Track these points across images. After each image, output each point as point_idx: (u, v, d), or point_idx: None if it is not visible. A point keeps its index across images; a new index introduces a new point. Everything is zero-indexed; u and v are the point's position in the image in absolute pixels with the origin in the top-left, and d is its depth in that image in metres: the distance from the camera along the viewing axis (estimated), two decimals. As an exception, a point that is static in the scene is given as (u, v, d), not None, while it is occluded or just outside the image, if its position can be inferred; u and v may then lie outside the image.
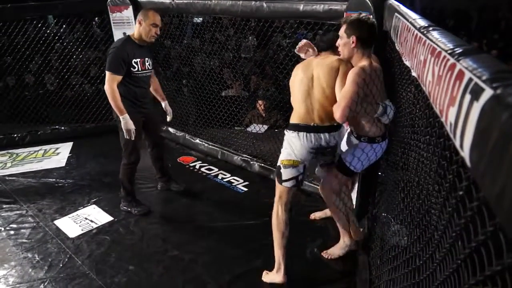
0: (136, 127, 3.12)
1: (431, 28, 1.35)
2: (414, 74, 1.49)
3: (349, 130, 2.67)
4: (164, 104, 3.59)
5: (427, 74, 1.19)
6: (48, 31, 5.27)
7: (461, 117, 0.80)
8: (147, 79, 3.27)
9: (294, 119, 2.51)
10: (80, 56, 5.52)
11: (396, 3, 2.27)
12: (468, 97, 0.78)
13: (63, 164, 4.49)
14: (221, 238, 3.09)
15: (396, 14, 2.08)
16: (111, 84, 3.01)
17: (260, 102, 5.18)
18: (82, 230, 3.23)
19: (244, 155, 4.31)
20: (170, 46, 5.13)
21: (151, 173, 4.19)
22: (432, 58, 1.15)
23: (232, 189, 3.87)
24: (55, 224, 3.33)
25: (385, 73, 2.41)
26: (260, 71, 5.55)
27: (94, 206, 3.58)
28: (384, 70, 2.40)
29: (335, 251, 2.82)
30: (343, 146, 2.72)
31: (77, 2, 5.00)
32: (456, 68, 0.90)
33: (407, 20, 1.72)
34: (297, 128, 2.47)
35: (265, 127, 5.03)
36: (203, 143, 4.71)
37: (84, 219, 3.36)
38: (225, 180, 4.05)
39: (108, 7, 4.72)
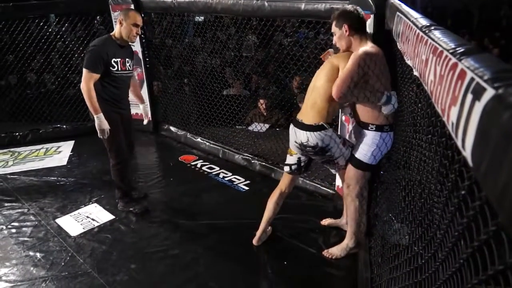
0: (115, 126, 3.09)
1: (432, 28, 1.35)
2: (416, 73, 1.49)
3: (354, 124, 2.67)
4: (143, 106, 3.57)
5: (429, 74, 1.20)
6: (50, 30, 5.27)
7: (462, 117, 0.80)
8: (126, 79, 3.21)
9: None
10: (82, 55, 5.52)
11: (398, 2, 2.27)
12: (469, 96, 0.78)
13: (65, 163, 4.49)
14: (223, 237, 3.10)
15: (397, 13, 2.08)
16: (87, 82, 2.94)
17: (261, 101, 5.18)
18: (83, 228, 3.24)
19: (246, 154, 4.32)
20: (171, 45, 5.13)
21: (151, 172, 4.20)
22: (434, 58, 1.15)
23: (234, 188, 3.87)
24: (56, 223, 3.33)
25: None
26: (262, 70, 5.55)
27: (95, 204, 3.59)
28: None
29: (336, 251, 2.81)
30: (351, 141, 2.72)
31: (79, 1, 5.01)
32: (458, 67, 0.90)
33: (409, 19, 1.72)
34: (292, 120, 2.68)
35: (267, 126, 5.03)
36: (205, 142, 4.71)
37: (86, 218, 3.37)
38: (226, 179, 4.05)
39: (110, 5, 4.73)
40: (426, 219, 1.53)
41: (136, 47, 4.81)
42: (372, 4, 2.69)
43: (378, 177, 2.92)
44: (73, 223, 3.32)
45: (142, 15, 4.73)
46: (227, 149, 4.49)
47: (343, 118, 3.04)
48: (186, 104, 5.05)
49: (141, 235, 3.15)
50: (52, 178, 4.16)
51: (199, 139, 4.77)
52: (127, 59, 3.14)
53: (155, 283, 2.65)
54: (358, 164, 2.58)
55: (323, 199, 3.55)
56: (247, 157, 4.27)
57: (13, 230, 3.25)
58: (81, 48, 5.14)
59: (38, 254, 2.95)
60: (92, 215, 3.41)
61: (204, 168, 4.31)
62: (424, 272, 1.48)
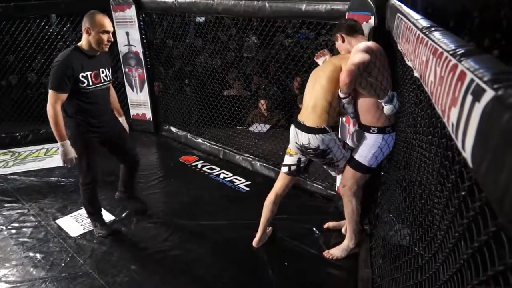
0: (86, 148, 2.82)
1: (433, 29, 1.36)
2: (416, 74, 1.50)
3: (356, 127, 2.67)
4: (122, 119, 3.20)
5: (429, 75, 1.20)
6: (51, 30, 5.28)
7: (462, 118, 0.81)
8: (102, 93, 2.88)
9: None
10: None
11: (398, 3, 2.27)
12: (469, 98, 0.79)
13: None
14: (223, 237, 3.10)
15: (398, 14, 2.08)
16: (53, 104, 2.62)
17: (262, 101, 5.19)
18: (84, 229, 3.24)
19: (246, 155, 4.32)
20: (172, 45, 5.14)
21: (151, 172, 4.20)
22: (434, 59, 1.15)
23: (234, 189, 3.87)
24: (56, 223, 3.33)
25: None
26: (262, 70, 5.55)
27: (96, 205, 3.59)
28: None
29: (337, 252, 2.81)
30: (350, 143, 2.72)
31: (80, 1, 5.01)
32: (458, 69, 0.91)
33: (409, 20, 1.72)
34: (293, 121, 2.68)
35: (267, 126, 5.03)
36: (205, 142, 4.71)
37: (86, 218, 3.36)
38: (227, 179, 4.05)
39: (111, 6, 4.74)
40: (427, 220, 1.54)
41: (137, 47, 4.83)
42: (372, 5, 2.69)
43: (378, 177, 2.93)
44: (74, 224, 3.32)
45: (143, 16, 4.74)
46: (228, 150, 4.50)
47: (343, 119, 3.04)
48: (187, 104, 5.06)
49: (141, 236, 3.15)
50: (53, 178, 4.16)
51: (199, 140, 4.78)
52: (101, 70, 2.81)
53: (155, 284, 2.66)
54: (358, 166, 2.58)
55: (324, 200, 3.55)
56: (248, 158, 4.28)
57: (13, 231, 3.26)
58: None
59: (38, 255, 2.95)
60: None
61: (204, 168, 4.31)
62: (425, 273, 1.49)
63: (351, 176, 2.62)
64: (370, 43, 2.43)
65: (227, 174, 4.15)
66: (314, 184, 3.66)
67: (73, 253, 2.95)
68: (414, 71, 1.54)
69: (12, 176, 4.22)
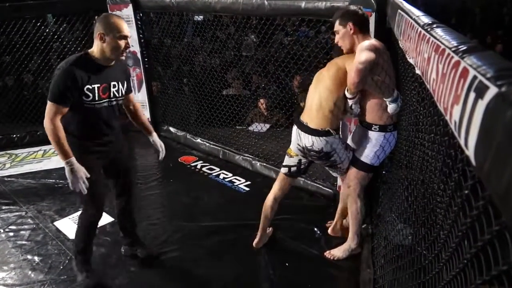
0: (92, 174, 2.38)
1: (434, 25, 1.35)
2: (418, 71, 1.49)
3: (356, 126, 2.66)
4: (152, 139, 2.82)
5: (431, 72, 1.20)
6: (47, 30, 5.27)
7: (465, 116, 0.80)
8: (111, 110, 2.48)
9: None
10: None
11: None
12: (472, 95, 0.78)
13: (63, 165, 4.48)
14: (223, 239, 3.10)
15: (399, 11, 2.08)
16: (52, 117, 2.24)
17: (261, 100, 5.18)
18: (82, 231, 3.23)
19: (246, 155, 4.32)
20: (170, 44, 5.13)
21: (150, 173, 4.20)
22: (436, 56, 1.15)
23: (234, 189, 3.87)
24: (55, 226, 3.33)
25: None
26: (262, 69, 5.55)
27: (94, 207, 3.58)
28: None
29: (338, 253, 2.81)
30: (351, 143, 2.72)
31: (77, 1, 5.01)
32: (460, 65, 0.90)
33: (411, 17, 1.72)
34: (295, 121, 2.65)
35: (267, 126, 5.03)
36: (205, 142, 4.71)
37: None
38: (226, 180, 4.05)
39: (108, 5, 4.74)
40: (429, 219, 1.54)
41: (135, 47, 4.82)
42: (373, 2, 2.69)
43: (380, 177, 2.92)
44: (72, 226, 3.31)
45: (140, 15, 4.73)
46: (228, 150, 4.50)
47: (344, 118, 3.04)
48: (185, 104, 5.06)
49: (140, 237, 3.13)
50: (50, 180, 4.16)
51: (199, 140, 4.78)
52: (112, 83, 2.41)
53: (155, 286, 2.66)
54: (362, 166, 2.58)
55: (325, 199, 3.55)
56: (248, 158, 4.27)
57: (11, 234, 3.25)
58: (78, 49, 5.14)
59: (36, 258, 2.95)
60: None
61: (204, 169, 4.31)
62: (428, 273, 1.49)
63: (355, 176, 2.62)
64: (374, 41, 2.41)
65: (226, 175, 4.15)
66: (315, 184, 3.65)
67: (71, 256, 2.93)
68: (416, 68, 1.53)
69: (9, 178, 4.22)
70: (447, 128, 1.12)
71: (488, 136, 0.69)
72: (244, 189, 3.86)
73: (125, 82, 2.54)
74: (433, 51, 1.21)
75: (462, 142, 0.83)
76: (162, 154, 2.84)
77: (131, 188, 2.86)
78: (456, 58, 0.96)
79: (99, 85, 2.34)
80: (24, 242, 3.14)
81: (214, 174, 4.19)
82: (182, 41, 5.02)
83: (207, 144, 4.68)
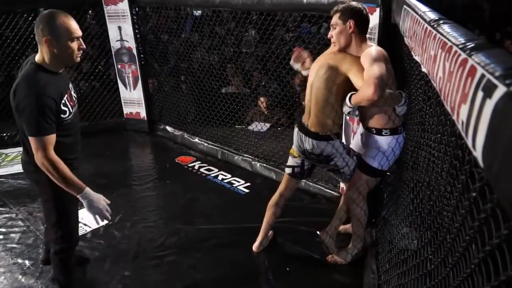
0: (75, 205, 2.30)
1: (441, 22, 1.35)
2: (424, 69, 1.50)
3: (362, 131, 2.65)
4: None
5: (438, 70, 1.20)
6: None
7: (473, 115, 0.81)
8: (78, 116, 2.32)
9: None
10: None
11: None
12: (480, 94, 0.78)
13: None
14: (221, 242, 3.10)
15: (404, 6, 2.08)
16: (45, 153, 1.99)
17: (262, 99, 5.18)
18: (75, 234, 3.24)
19: (246, 155, 4.32)
20: (167, 40, 5.13)
21: (146, 174, 4.20)
22: (443, 53, 1.15)
23: (233, 191, 3.87)
24: (47, 228, 3.34)
25: (394, 68, 2.42)
26: (262, 66, 5.56)
27: (87, 209, 3.58)
28: (393, 65, 2.40)
29: (342, 257, 2.81)
30: (356, 147, 2.70)
31: (70, -6, 5.02)
32: (468, 63, 0.91)
33: (417, 13, 1.72)
34: (297, 121, 2.68)
35: (267, 125, 5.03)
36: (203, 142, 4.71)
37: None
38: (225, 181, 4.05)
39: (102, -1, 4.74)
40: (436, 223, 1.54)
41: (130, 42, 4.83)
42: (378, -4, 2.69)
43: (384, 179, 2.92)
44: (64, 228, 3.31)
45: (136, 9, 4.73)
46: (226, 150, 4.50)
47: (347, 117, 3.04)
48: (183, 102, 5.06)
49: (135, 241, 3.15)
50: (42, 181, 4.15)
51: (196, 140, 4.78)
52: (70, 86, 2.23)
53: (150, 291, 2.66)
54: (368, 169, 2.56)
55: (327, 201, 3.55)
56: (247, 158, 4.28)
57: (0, 236, 3.25)
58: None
59: (27, 262, 2.95)
60: (84, 220, 3.38)
61: (202, 169, 4.31)
62: (434, 278, 1.49)
63: (362, 179, 2.60)
64: (380, 49, 2.32)
65: (225, 176, 4.15)
66: (317, 185, 3.66)
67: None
68: (422, 66, 1.54)
69: (-1, 179, 4.22)
70: (454, 128, 1.13)
71: (496, 137, 0.69)
72: (243, 191, 3.86)
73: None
74: (439, 48, 1.21)
75: (469, 142, 0.83)
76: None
77: None
78: (463, 55, 0.96)
79: (66, 95, 2.14)
80: (14, 246, 3.14)
81: (212, 175, 4.19)
82: (179, 37, 5.02)
83: (205, 144, 4.68)
